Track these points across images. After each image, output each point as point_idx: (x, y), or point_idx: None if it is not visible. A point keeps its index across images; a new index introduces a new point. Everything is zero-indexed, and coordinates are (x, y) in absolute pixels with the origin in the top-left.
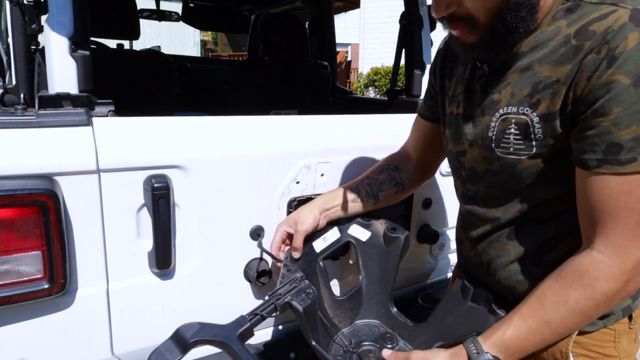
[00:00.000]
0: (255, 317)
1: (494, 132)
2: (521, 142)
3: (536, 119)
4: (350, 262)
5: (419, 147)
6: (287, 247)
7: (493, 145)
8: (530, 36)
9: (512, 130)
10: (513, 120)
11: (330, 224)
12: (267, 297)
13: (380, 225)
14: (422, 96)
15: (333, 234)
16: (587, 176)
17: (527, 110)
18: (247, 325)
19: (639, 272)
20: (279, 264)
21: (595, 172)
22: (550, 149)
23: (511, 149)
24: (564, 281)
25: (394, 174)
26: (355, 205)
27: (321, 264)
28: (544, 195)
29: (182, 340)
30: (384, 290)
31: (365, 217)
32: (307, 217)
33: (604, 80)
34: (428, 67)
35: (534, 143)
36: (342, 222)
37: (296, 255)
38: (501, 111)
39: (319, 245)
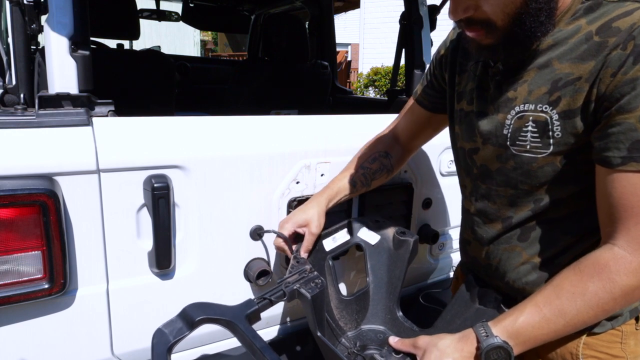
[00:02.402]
0: (264, 301)
1: (510, 130)
2: (539, 140)
3: (556, 117)
4: (355, 258)
5: (409, 131)
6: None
7: (508, 142)
8: (548, 35)
9: (530, 128)
10: (531, 118)
11: (341, 226)
12: (276, 284)
13: (390, 230)
14: None
15: (343, 235)
16: (609, 174)
17: (546, 108)
18: (255, 307)
19: None
20: (288, 253)
21: (619, 169)
22: (568, 148)
23: (528, 147)
24: (582, 273)
25: (385, 161)
26: (351, 195)
27: (330, 262)
28: (558, 194)
29: (189, 318)
30: (391, 296)
31: (375, 220)
32: (319, 220)
33: (630, 77)
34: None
35: (551, 141)
36: (352, 224)
37: (305, 255)
38: (517, 109)
39: (328, 244)
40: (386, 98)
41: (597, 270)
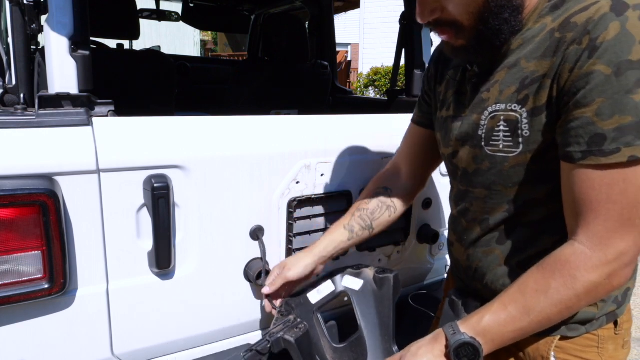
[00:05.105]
0: (250, 353)
1: (484, 130)
2: (510, 139)
3: (525, 115)
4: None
5: (411, 156)
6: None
7: (483, 143)
8: (518, 35)
9: (502, 128)
10: (502, 118)
11: (323, 277)
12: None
13: (369, 271)
14: None
15: (327, 287)
16: (571, 169)
17: (515, 107)
18: None
19: (622, 265)
20: (273, 311)
21: (580, 164)
22: (537, 146)
23: (500, 146)
24: (545, 270)
25: (384, 198)
26: (352, 242)
27: (319, 315)
28: (531, 195)
29: None
30: (386, 337)
31: (355, 267)
32: (297, 267)
33: (585, 71)
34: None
35: (520, 140)
36: (334, 274)
37: (266, 290)
38: (490, 109)
39: (313, 297)
40: (386, 98)
41: (559, 267)
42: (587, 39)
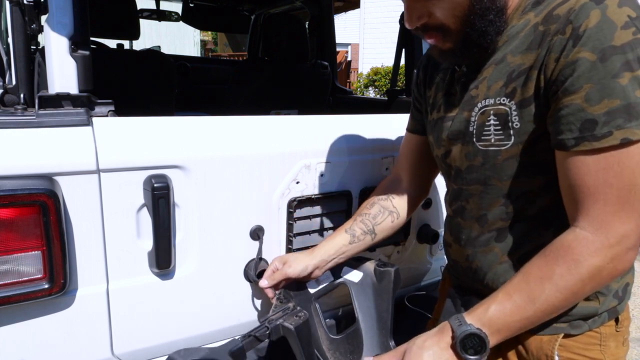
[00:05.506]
0: (249, 338)
1: (474, 127)
2: (501, 132)
3: (514, 107)
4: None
5: (410, 164)
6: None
7: (474, 139)
8: (502, 32)
9: (492, 122)
10: (492, 112)
11: None
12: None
13: (370, 264)
14: None
15: (326, 277)
16: (565, 157)
17: (504, 100)
18: (240, 345)
19: (625, 248)
20: (271, 296)
21: (574, 151)
22: (528, 137)
23: (492, 140)
24: (548, 258)
25: (385, 203)
26: (354, 246)
27: (317, 305)
28: (526, 187)
29: None
30: (383, 331)
31: (355, 259)
32: (297, 264)
33: (571, 59)
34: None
35: (511, 132)
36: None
37: (264, 283)
38: (479, 105)
39: (312, 286)
40: (386, 98)
41: (562, 253)
42: (570, 28)
